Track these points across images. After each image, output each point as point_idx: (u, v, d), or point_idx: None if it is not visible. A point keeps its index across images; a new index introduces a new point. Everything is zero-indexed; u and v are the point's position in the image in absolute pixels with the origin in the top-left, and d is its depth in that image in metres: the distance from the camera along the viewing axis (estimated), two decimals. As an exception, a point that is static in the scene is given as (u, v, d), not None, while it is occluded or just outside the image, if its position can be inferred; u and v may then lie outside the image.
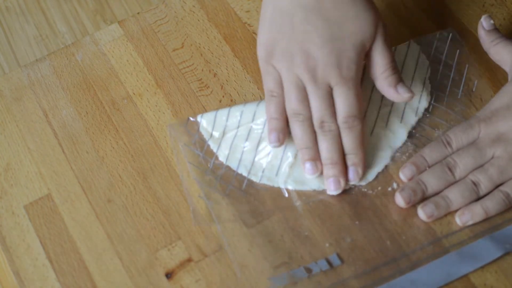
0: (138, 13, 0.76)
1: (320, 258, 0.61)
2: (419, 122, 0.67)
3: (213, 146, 0.67)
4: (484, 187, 0.62)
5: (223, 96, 0.70)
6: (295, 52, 0.62)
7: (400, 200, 0.63)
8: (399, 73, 0.64)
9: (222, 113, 0.68)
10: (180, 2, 0.76)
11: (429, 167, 0.64)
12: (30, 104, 0.71)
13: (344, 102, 0.62)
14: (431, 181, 0.63)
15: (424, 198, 0.63)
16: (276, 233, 0.62)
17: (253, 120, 0.67)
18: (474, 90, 0.69)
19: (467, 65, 0.70)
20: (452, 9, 0.74)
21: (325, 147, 0.63)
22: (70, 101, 0.71)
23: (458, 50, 0.70)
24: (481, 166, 0.63)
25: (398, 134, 0.67)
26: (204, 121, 0.68)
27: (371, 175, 0.65)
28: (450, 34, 0.71)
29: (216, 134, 0.67)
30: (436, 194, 0.63)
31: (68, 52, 0.74)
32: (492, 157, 0.63)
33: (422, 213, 0.62)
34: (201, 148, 0.67)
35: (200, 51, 0.73)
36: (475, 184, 0.62)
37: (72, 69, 0.73)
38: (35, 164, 0.67)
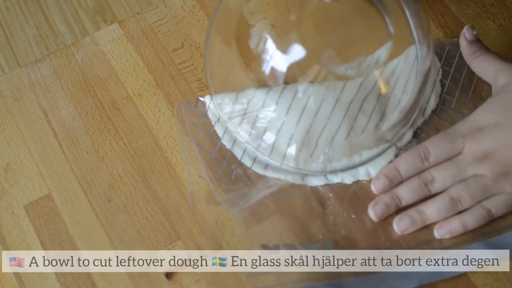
0: (138, 13, 0.76)
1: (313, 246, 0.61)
2: (425, 123, 0.67)
3: (218, 130, 0.67)
4: (464, 203, 0.61)
5: (223, 96, 0.70)
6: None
7: (372, 214, 0.62)
8: None
9: (230, 97, 0.67)
10: (180, 2, 0.76)
11: (403, 180, 0.63)
12: (30, 104, 0.71)
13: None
14: (407, 196, 0.62)
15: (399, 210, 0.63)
16: (276, 233, 0.62)
17: (261, 108, 0.66)
18: (484, 95, 0.68)
19: None
20: (452, 9, 0.74)
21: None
22: (70, 101, 0.71)
23: None
24: (463, 180, 0.61)
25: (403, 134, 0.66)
26: (212, 104, 0.68)
27: (375, 170, 0.65)
28: None
29: (222, 118, 0.67)
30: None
31: (68, 52, 0.74)
32: (474, 175, 0.61)
33: (396, 227, 0.62)
34: (208, 130, 0.67)
35: (200, 51, 0.73)
36: (455, 200, 0.61)
37: (72, 69, 0.73)
38: (35, 164, 0.67)
